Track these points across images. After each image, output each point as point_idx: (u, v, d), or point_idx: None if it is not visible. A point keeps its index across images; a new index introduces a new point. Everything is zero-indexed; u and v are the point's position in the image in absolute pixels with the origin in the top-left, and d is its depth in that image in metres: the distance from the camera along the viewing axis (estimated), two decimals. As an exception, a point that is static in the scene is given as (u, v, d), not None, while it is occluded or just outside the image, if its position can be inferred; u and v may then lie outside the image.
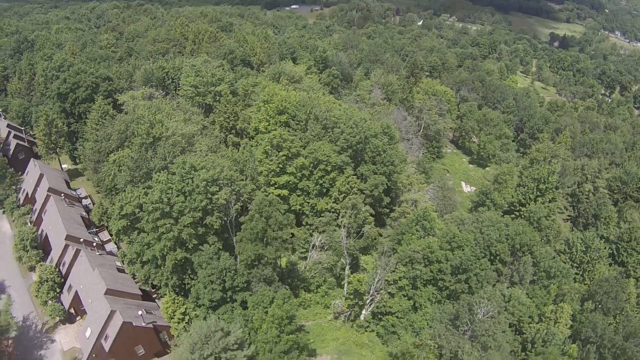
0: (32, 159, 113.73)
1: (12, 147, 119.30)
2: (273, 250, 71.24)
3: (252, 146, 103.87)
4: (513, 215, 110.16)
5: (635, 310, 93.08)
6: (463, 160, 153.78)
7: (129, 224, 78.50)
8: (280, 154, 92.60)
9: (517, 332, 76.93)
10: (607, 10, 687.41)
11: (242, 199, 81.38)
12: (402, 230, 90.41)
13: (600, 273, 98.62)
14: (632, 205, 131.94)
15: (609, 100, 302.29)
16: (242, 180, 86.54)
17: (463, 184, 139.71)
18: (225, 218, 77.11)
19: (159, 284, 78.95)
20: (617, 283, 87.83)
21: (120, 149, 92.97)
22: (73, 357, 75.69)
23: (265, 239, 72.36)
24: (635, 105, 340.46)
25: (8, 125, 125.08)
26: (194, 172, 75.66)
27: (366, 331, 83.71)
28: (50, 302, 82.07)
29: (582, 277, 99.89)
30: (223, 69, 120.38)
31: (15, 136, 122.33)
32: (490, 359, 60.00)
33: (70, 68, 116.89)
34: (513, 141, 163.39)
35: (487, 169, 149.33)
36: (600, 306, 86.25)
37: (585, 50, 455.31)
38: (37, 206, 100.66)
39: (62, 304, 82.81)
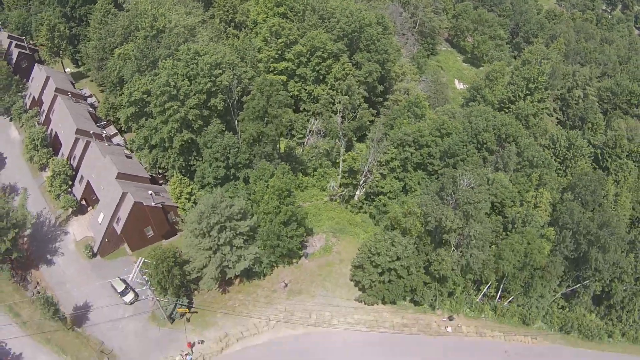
0: (36, 64, 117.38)
1: (14, 56, 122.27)
2: (273, 128, 78.21)
3: (251, 37, 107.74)
4: (502, 112, 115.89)
5: (612, 207, 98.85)
6: (457, 58, 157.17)
7: (137, 110, 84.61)
8: (279, 40, 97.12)
9: (499, 214, 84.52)
10: None
11: (243, 83, 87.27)
12: (394, 115, 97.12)
13: (581, 169, 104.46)
14: (620, 116, 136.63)
15: (609, 17, 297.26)
16: (243, 67, 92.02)
17: (456, 81, 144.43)
18: (228, 100, 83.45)
19: (165, 167, 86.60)
20: (596, 178, 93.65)
21: (124, 43, 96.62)
22: (86, 245, 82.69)
23: (266, 118, 79.15)
24: (636, 25, 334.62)
25: (9, 36, 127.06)
26: (198, 57, 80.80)
27: (359, 212, 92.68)
28: (63, 195, 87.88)
29: (564, 173, 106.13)
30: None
31: (16, 45, 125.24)
32: (472, 227, 68.55)
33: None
34: (507, 44, 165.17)
35: (480, 68, 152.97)
36: (579, 198, 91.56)
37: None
38: (45, 107, 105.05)
39: (74, 196, 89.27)
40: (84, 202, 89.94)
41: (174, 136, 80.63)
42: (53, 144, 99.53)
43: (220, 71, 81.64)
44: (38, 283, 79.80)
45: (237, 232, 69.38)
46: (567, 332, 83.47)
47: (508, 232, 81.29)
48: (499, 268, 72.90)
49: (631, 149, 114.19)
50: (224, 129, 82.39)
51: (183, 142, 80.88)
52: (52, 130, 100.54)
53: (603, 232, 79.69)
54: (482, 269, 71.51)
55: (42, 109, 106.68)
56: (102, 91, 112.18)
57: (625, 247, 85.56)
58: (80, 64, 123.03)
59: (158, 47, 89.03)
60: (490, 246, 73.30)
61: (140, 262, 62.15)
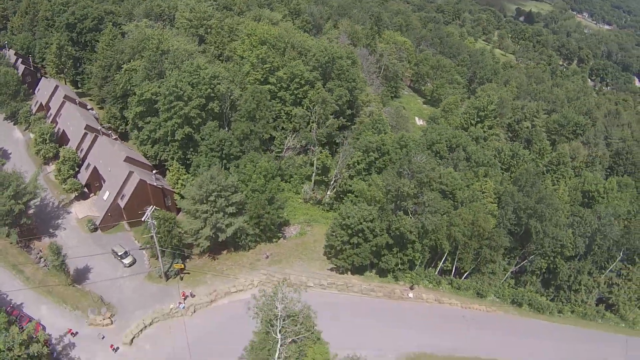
0: (42, 77, 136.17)
1: (20, 71, 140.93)
2: (261, 126, 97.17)
3: (240, 64, 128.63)
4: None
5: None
6: (418, 101, 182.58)
7: (144, 110, 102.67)
8: (265, 66, 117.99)
9: (451, 199, 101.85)
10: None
11: (234, 96, 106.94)
12: (360, 131, 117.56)
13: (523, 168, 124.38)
14: (565, 142, 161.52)
15: (565, 69, 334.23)
16: (233, 87, 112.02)
17: (416, 118, 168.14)
18: (223, 105, 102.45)
19: (165, 159, 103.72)
20: (535, 173, 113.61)
21: (131, 60, 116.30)
22: (88, 220, 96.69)
23: (254, 119, 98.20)
24: (591, 77, 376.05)
25: (15, 54, 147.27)
26: (199, 69, 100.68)
27: (331, 209, 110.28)
28: (70, 179, 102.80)
29: (509, 177, 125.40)
30: (213, 8, 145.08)
31: (22, 62, 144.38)
32: (425, 195, 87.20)
33: (76, 4, 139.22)
34: (464, 88, 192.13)
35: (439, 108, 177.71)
36: (521, 190, 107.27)
37: (549, 27, 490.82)
38: (52, 112, 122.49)
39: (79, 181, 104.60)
40: (86, 190, 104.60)
41: (176, 130, 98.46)
42: (60, 141, 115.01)
43: (218, 81, 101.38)
44: (41, 251, 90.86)
45: (230, 202, 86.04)
46: (519, 305, 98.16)
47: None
48: (451, 234, 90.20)
49: (574, 166, 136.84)
50: (218, 127, 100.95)
51: (184, 136, 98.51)
52: (59, 129, 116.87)
53: (539, 205, 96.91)
54: (436, 233, 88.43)
55: (49, 113, 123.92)
56: (101, 108, 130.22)
57: (564, 222, 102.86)
58: (79, 85, 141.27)
59: (164, 62, 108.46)
60: (442, 215, 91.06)
61: (152, 208, 77.85)
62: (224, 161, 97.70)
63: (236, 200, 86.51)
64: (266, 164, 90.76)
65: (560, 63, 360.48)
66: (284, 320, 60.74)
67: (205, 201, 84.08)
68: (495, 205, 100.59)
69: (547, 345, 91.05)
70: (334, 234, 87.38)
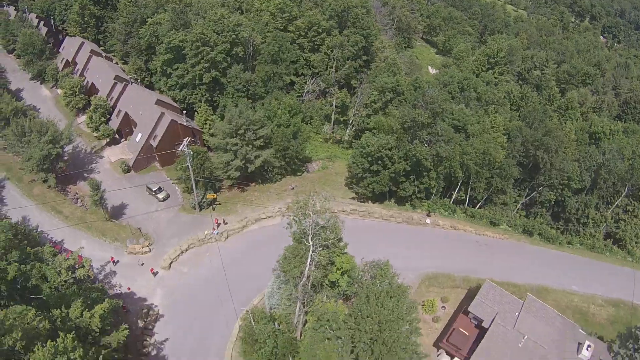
0: (66, 36, 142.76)
1: (43, 33, 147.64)
2: (283, 68, 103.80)
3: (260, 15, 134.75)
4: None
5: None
6: (430, 51, 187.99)
7: (172, 57, 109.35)
8: (284, 15, 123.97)
9: (463, 132, 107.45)
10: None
11: (256, 42, 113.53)
12: (376, 73, 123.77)
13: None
14: (574, 89, 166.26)
15: (576, 26, 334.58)
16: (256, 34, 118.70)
17: (429, 67, 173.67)
18: (246, 50, 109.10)
19: (193, 102, 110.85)
20: (542, 110, 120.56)
21: (155, 15, 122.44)
22: (122, 162, 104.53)
23: (277, 62, 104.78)
24: (603, 35, 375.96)
25: (37, 17, 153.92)
26: (223, 18, 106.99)
27: (350, 147, 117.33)
28: (102, 125, 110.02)
29: (518, 117, 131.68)
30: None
31: (45, 24, 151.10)
32: (438, 125, 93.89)
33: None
34: (475, 39, 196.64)
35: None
36: (528, 127, 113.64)
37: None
38: (79, 67, 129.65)
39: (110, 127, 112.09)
40: (117, 136, 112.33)
41: (204, 74, 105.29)
42: (89, 93, 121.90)
43: (241, 29, 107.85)
44: (77, 193, 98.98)
45: (257, 136, 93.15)
46: (530, 234, 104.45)
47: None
48: (464, 162, 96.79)
49: (582, 111, 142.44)
50: (243, 70, 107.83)
51: (211, 79, 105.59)
52: (88, 82, 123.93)
53: (545, 138, 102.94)
54: (450, 160, 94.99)
55: (76, 69, 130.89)
56: (125, 63, 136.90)
57: (570, 157, 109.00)
58: (101, 43, 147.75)
59: (188, 13, 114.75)
60: (455, 144, 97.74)
61: (187, 139, 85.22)
62: (250, 101, 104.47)
63: (263, 133, 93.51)
64: (290, 100, 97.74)
65: (572, 20, 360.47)
66: (315, 227, 67.78)
67: (235, 135, 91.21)
68: (505, 138, 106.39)
69: (558, 272, 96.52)
70: (355, 162, 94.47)
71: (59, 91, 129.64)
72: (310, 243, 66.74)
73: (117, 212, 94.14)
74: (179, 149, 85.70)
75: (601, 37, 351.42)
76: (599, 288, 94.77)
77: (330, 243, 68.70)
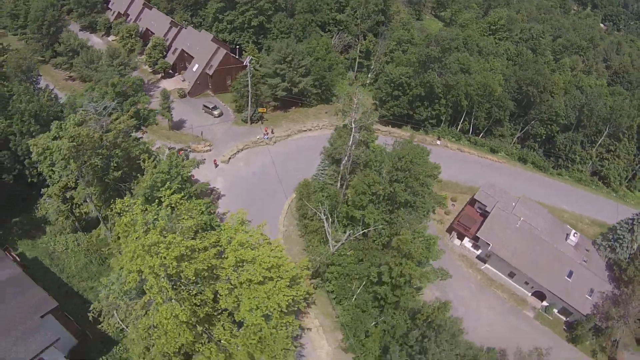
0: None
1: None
2: (319, 16, 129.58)
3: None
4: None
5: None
6: (439, 24, 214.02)
7: (224, 5, 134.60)
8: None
9: (467, 73, 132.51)
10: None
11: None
12: (394, 29, 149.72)
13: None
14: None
15: (577, 13, 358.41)
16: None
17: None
18: (287, 1, 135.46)
19: (240, 44, 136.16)
20: (534, 61, 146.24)
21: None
22: (178, 89, 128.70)
23: (313, 12, 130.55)
24: (604, 23, 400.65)
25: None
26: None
27: (372, 89, 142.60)
28: (160, 60, 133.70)
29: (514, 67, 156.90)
30: None
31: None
32: (447, 58, 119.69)
33: None
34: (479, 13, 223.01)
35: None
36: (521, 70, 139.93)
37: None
38: (132, 17, 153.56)
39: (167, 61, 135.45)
40: (171, 71, 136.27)
41: (252, 19, 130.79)
42: (144, 38, 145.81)
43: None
44: None
45: (300, 65, 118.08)
46: (524, 162, 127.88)
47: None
48: (468, 93, 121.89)
49: (573, 75, 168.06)
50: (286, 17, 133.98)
51: (258, 24, 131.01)
52: (142, 28, 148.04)
53: (535, 76, 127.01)
54: (457, 89, 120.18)
55: (128, 19, 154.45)
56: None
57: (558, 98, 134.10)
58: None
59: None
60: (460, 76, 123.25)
61: (248, 59, 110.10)
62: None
63: (305, 63, 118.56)
64: (326, 39, 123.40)
65: (575, 8, 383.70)
66: (357, 110, 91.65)
67: (283, 62, 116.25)
68: (501, 76, 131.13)
69: (549, 193, 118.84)
70: (380, 88, 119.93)
71: (110, 38, 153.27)
72: (353, 125, 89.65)
73: (178, 125, 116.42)
74: (244, 63, 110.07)
75: (601, 25, 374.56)
76: (586, 211, 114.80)
77: (367, 124, 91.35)
